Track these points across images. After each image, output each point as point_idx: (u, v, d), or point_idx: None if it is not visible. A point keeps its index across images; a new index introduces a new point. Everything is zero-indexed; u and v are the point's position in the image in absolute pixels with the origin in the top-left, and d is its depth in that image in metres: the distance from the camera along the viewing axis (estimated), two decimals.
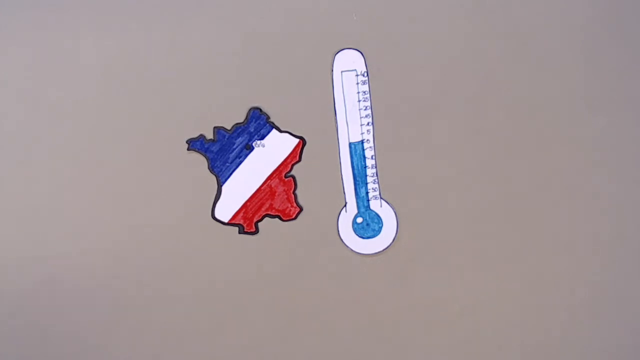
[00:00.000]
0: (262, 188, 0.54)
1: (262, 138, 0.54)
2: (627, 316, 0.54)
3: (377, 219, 0.54)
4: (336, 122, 0.54)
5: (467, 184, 0.53)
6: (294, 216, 0.54)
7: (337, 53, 0.53)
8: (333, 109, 0.53)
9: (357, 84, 0.53)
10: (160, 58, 0.54)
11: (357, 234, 0.54)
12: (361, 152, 0.54)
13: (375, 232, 0.54)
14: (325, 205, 0.54)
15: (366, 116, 0.53)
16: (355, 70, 0.53)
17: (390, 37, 0.53)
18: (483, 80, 0.53)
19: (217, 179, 0.54)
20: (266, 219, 0.55)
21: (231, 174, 0.54)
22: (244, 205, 0.54)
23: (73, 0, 0.54)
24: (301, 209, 0.54)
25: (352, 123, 0.53)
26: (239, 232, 0.55)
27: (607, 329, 0.54)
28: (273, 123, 0.54)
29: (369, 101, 0.53)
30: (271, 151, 0.54)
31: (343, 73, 0.53)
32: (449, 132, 0.53)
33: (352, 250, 0.54)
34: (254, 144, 0.54)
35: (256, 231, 0.55)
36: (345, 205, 0.54)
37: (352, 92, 0.53)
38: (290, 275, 0.55)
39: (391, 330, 0.55)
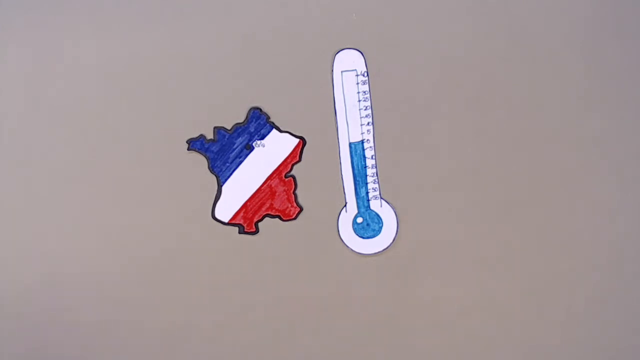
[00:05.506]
0: (262, 188, 0.54)
1: (262, 138, 0.54)
2: (627, 316, 0.54)
3: (377, 219, 0.54)
4: (336, 122, 0.54)
5: (467, 184, 0.53)
6: (294, 216, 0.54)
7: (337, 53, 0.53)
8: (333, 109, 0.53)
9: (357, 84, 0.53)
10: (160, 58, 0.54)
11: (357, 234, 0.54)
12: (361, 152, 0.54)
13: (375, 232, 0.54)
14: (325, 205, 0.54)
15: (366, 116, 0.53)
16: (355, 70, 0.53)
17: (390, 37, 0.53)
18: (483, 80, 0.53)
19: (217, 179, 0.54)
20: (266, 219, 0.55)
21: (231, 174, 0.54)
22: (244, 205, 0.54)
23: (73, 0, 0.54)
24: (301, 209, 0.54)
25: (352, 123, 0.53)
26: (239, 232, 0.55)
27: (607, 329, 0.54)
28: (273, 123, 0.54)
29: (369, 101, 0.53)
30: (271, 151, 0.54)
31: (343, 73, 0.53)
32: (449, 132, 0.53)
33: (352, 250, 0.54)
34: (254, 144, 0.54)
35: (256, 231, 0.55)
36: (345, 205, 0.54)
37: (352, 92, 0.53)
38: (290, 275, 0.55)
39: (391, 330, 0.55)
